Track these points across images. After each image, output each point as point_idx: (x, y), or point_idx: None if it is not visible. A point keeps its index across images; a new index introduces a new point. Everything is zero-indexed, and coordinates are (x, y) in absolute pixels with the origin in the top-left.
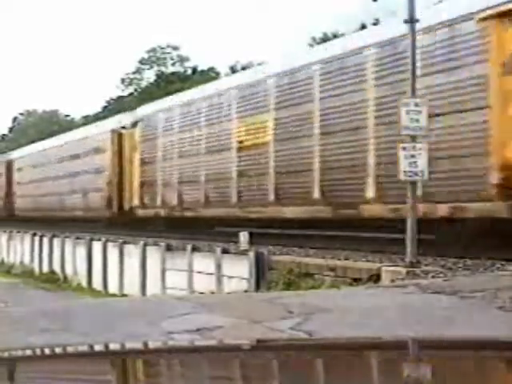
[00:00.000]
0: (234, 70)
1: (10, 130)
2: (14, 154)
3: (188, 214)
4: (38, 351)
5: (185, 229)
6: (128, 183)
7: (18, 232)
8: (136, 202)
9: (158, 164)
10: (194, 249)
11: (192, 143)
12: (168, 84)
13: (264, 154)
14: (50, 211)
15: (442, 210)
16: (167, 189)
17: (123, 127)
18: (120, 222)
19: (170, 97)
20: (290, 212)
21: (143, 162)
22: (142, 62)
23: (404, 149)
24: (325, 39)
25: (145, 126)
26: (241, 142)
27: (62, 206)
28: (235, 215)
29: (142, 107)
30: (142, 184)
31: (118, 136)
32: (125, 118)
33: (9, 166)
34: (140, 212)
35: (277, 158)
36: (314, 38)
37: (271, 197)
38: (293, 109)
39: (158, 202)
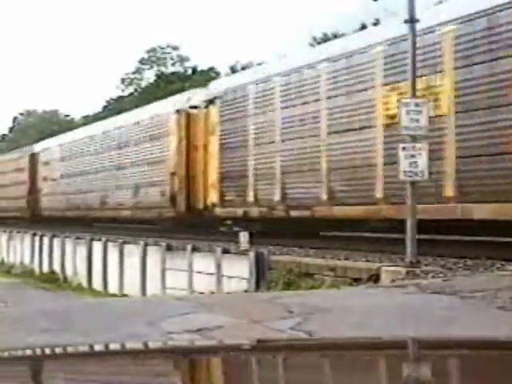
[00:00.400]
0: (233, 70)
1: (10, 130)
2: (39, 147)
3: (295, 213)
4: (38, 351)
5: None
6: (201, 175)
7: (18, 232)
8: (214, 198)
9: (248, 150)
10: (194, 249)
11: (304, 122)
12: (168, 84)
13: (434, 131)
14: (87, 210)
15: None
16: (263, 182)
17: (194, 106)
18: (189, 223)
19: (262, 66)
20: (480, 211)
21: (224, 148)
22: (142, 62)
23: (404, 149)
24: (325, 39)
25: (226, 104)
26: (391, 116)
27: (103, 204)
28: (381, 215)
29: (218, 81)
30: (223, 176)
31: (186, 117)
32: (194, 96)
33: (33, 159)
34: (219, 211)
35: (459, 137)
36: (314, 38)
37: (448, 191)
38: (488, 67)
39: (250, 198)
